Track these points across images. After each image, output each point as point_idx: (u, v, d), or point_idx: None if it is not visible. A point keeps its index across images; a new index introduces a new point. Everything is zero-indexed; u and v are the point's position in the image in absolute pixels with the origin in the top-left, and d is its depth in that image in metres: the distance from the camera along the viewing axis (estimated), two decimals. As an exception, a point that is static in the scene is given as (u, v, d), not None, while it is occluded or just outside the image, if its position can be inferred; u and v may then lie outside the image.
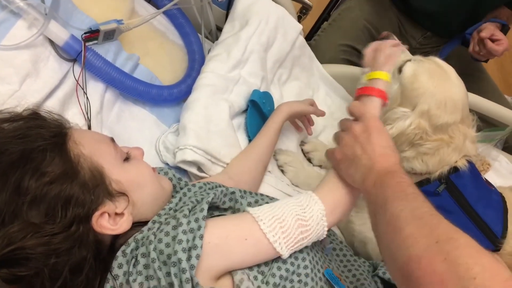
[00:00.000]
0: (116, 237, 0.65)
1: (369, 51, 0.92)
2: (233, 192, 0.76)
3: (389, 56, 0.88)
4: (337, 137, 0.80)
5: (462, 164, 0.98)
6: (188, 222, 0.61)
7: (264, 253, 0.66)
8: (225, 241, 0.63)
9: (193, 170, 0.95)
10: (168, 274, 0.59)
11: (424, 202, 0.62)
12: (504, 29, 1.36)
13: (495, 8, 1.43)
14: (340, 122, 0.81)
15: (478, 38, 1.33)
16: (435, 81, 0.97)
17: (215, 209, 0.74)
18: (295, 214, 0.68)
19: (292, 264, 0.69)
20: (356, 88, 0.86)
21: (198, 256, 0.59)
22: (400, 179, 0.67)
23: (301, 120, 1.20)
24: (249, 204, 0.77)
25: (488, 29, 1.31)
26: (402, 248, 0.57)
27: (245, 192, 0.82)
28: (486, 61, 1.42)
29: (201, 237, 0.60)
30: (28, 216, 0.57)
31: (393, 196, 0.64)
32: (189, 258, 0.59)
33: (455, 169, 0.98)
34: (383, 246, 0.63)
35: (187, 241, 0.60)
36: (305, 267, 0.69)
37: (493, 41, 1.31)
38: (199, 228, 0.61)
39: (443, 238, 0.54)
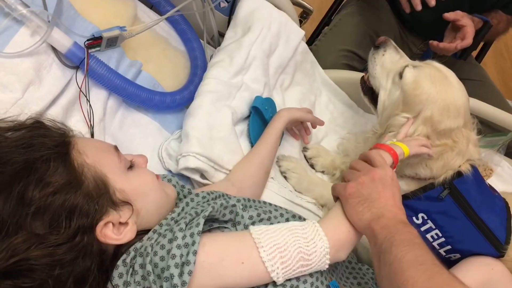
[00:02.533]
0: (119, 246, 0.65)
1: (404, 130, 0.96)
2: (233, 205, 0.74)
3: (419, 149, 0.92)
4: (350, 174, 0.79)
5: (465, 168, 0.98)
6: (183, 237, 0.60)
7: (259, 279, 0.65)
8: (220, 263, 0.62)
9: (196, 177, 0.94)
10: None
11: (428, 252, 0.64)
12: (486, 26, 1.31)
13: (485, 13, 1.42)
14: (354, 162, 0.82)
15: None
16: (437, 87, 0.97)
17: (214, 221, 0.72)
18: (298, 246, 0.66)
19: (289, 279, 0.67)
20: (378, 143, 0.91)
21: (190, 272, 0.58)
22: (410, 229, 0.68)
23: (298, 128, 1.20)
24: (251, 218, 0.75)
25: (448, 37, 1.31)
26: None
27: (248, 200, 0.81)
28: (465, 59, 1.38)
29: (195, 253, 0.59)
30: (32, 227, 0.56)
31: (399, 241, 0.65)
32: (181, 274, 0.58)
33: (458, 174, 0.98)
34: (385, 286, 0.64)
35: (181, 256, 0.59)
36: (305, 281, 0.68)
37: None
38: (193, 243, 0.60)
39: (442, 284, 0.56)
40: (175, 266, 0.58)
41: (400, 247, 0.64)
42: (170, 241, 0.60)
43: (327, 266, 0.69)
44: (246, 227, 0.73)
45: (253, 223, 0.74)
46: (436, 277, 0.58)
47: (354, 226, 0.73)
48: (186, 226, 0.63)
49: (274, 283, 0.66)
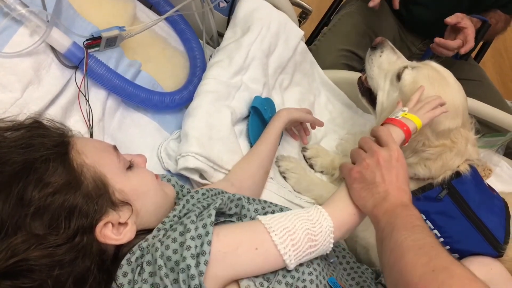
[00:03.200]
0: (120, 246, 0.65)
1: (415, 97, 0.93)
2: (239, 198, 0.76)
3: (432, 113, 0.89)
4: (356, 155, 0.80)
5: (464, 169, 0.98)
6: (196, 228, 0.61)
7: (272, 264, 0.67)
8: (234, 251, 0.64)
9: (195, 177, 0.94)
10: (176, 281, 0.58)
11: (428, 235, 0.65)
12: (485, 26, 1.32)
13: (484, 12, 1.42)
14: (362, 141, 0.81)
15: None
16: (435, 88, 0.97)
17: (220, 215, 0.74)
18: (306, 228, 0.69)
19: (297, 270, 0.69)
20: (388, 117, 0.88)
21: (206, 262, 0.59)
22: (411, 212, 0.69)
23: (297, 129, 1.21)
24: (256, 211, 0.77)
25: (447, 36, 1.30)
26: (402, 274, 0.60)
27: (249, 199, 0.82)
28: (466, 59, 1.39)
29: (209, 243, 0.60)
30: (32, 227, 0.56)
31: (400, 225, 0.67)
32: (197, 265, 0.59)
33: (457, 174, 0.98)
34: (387, 273, 0.65)
35: (196, 247, 0.60)
36: (310, 273, 0.70)
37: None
38: (207, 234, 0.61)
39: (439, 267, 0.57)
40: (191, 257, 0.59)
41: (401, 231, 0.65)
42: (182, 233, 0.61)
43: (331, 246, 0.72)
44: (252, 219, 0.75)
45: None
46: (433, 259, 0.59)
47: (359, 209, 0.76)
48: (197, 218, 0.64)
49: (284, 271, 0.68)
